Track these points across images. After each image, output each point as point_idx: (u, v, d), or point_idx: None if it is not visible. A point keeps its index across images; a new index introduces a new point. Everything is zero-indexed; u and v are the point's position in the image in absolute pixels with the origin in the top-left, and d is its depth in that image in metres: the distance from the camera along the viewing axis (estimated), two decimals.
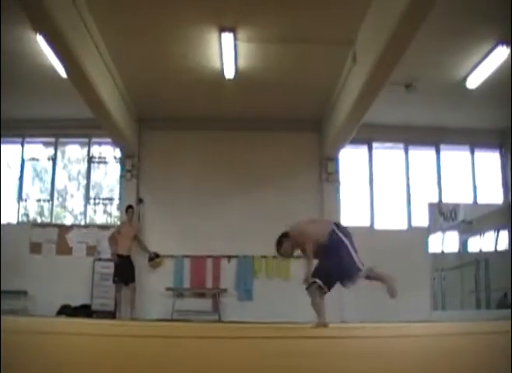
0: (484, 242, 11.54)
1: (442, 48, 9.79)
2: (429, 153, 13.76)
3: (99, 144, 13.72)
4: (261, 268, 12.73)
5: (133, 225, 12.01)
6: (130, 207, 12.07)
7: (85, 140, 13.72)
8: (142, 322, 8.81)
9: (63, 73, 9.71)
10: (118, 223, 12.82)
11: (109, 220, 13.65)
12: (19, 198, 13.48)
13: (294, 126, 13.26)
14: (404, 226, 13.28)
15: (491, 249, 11.60)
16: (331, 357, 2.14)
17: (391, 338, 3.71)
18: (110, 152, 13.71)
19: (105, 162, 13.73)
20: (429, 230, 12.38)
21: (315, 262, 6.68)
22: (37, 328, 4.36)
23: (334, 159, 13.20)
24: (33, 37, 9.23)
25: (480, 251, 11.50)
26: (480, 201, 13.31)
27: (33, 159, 13.75)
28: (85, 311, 12.18)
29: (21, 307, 12.25)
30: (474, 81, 10.66)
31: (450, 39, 9.45)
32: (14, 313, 11.75)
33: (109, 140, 12.75)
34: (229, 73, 10.57)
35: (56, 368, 1.54)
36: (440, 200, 13.31)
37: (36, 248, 12.88)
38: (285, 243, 6.80)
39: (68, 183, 14.03)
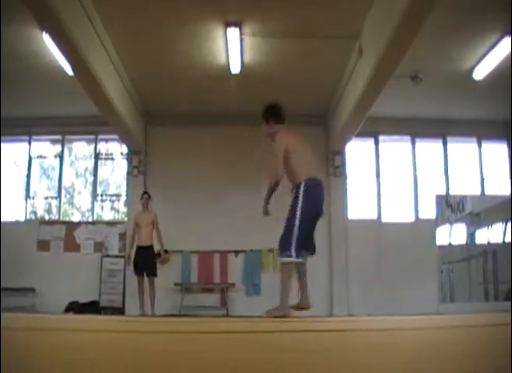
0: (492, 234, 11.49)
1: (448, 39, 9.75)
2: (436, 145, 13.73)
3: (106, 140, 13.77)
4: (268, 262, 12.73)
5: (150, 212, 10.97)
6: (145, 193, 11.09)
7: (92, 137, 13.75)
8: (150, 317, 8.82)
9: (69, 71, 9.74)
10: (125, 219, 12.84)
11: (116, 216, 13.70)
12: (27, 196, 13.55)
13: (300, 120, 13.17)
14: (411, 218, 13.29)
15: (499, 240, 11.56)
16: (339, 351, 2.15)
17: (396, 330, 3.71)
18: (116, 149, 13.76)
19: (112, 159, 13.77)
20: (437, 222, 12.34)
21: None
22: (42, 325, 4.38)
23: (341, 153, 13.19)
24: (39, 36, 9.24)
25: (488, 243, 11.46)
26: (488, 193, 13.28)
27: (41, 157, 13.81)
28: (93, 307, 12.24)
29: (29, 304, 12.34)
30: (480, 73, 10.62)
31: (455, 30, 9.41)
32: (22, 310, 11.82)
33: (116, 136, 12.78)
34: (235, 68, 10.57)
35: (60, 366, 1.55)
36: (448, 192, 13.28)
37: (44, 245, 12.94)
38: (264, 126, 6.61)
39: (76, 179, 14.09)
